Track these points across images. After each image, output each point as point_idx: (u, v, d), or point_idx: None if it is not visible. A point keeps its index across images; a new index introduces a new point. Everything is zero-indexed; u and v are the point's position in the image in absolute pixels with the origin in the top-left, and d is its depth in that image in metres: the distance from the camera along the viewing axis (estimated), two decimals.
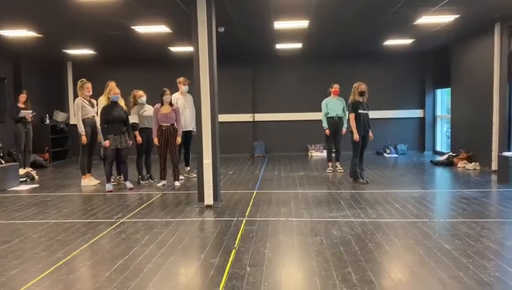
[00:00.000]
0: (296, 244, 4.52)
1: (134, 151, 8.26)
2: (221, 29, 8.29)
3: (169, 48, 10.82)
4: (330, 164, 9.34)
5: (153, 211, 6.13)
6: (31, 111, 9.70)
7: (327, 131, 9.07)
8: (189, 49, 9.13)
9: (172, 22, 8.12)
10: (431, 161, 10.55)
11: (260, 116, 12.97)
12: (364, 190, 7.34)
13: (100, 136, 7.92)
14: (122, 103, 7.78)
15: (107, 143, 7.48)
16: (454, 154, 10.13)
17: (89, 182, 8.16)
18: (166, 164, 7.91)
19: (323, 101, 9.19)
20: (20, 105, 9.65)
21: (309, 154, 12.52)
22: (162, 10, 7.26)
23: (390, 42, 10.64)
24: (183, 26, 7.76)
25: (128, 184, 7.74)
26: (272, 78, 12.88)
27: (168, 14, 7.55)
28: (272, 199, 6.73)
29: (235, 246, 4.47)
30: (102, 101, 7.90)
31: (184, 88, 8.64)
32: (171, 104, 7.87)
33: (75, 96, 8.37)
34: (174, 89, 8.59)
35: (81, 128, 7.85)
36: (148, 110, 8.13)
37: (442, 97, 12.53)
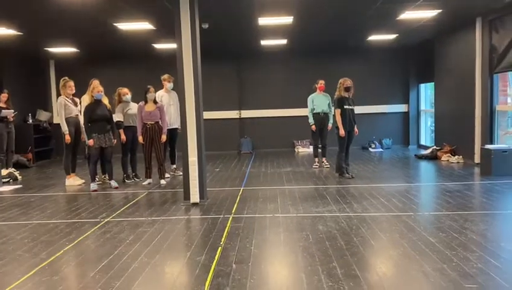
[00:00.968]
0: (282, 240, 4.53)
1: (119, 150, 8.18)
2: (205, 26, 8.24)
3: (153, 44, 10.73)
4: (316, 159, 9.38)
5: (138, 210, 6.08)
6: (12, 110, 9.53)
7: (313, 127, 9.10)
8: (173, 45, 9.08)
9: (155, 19, 8.05)
10: (415, 155, 10.67)
11: (246, 113, 12.95)
12: (350, 184, 7.39)
13: (84, 135, 7.82)
14: (106, 101, 7.69)
15: (91, 142, 7.39)
16: (438, 148, 10.25)
17: (73, 181, 8.07)
18: (152, 162, 7.85)
19: (309, 97, 9.21)
20: (2, 105, 9.46)
21: (296, 150, 12.56)
22: (145, 7, 7.18)
23: (374, 37, 10.70)
24: (167, 22, 7.68)
25: (113, 183, 7.67)
26: (258, 75, 12.86)
27: (151, 11, 7.48)
28: (259, 195, 6.73)
29: (221, 243, 4.46)
30: (86, 99, 7.80)
31: (169, 85, 8.57)
32: (155, 101, 7.80)
33: (58, 95, 8.25)
34: (159, 86, 8.52)
35: (65, 128, 7.75)
36: (133, 108, 8.04)
37: (426, 91, 12.66)
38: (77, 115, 7.96)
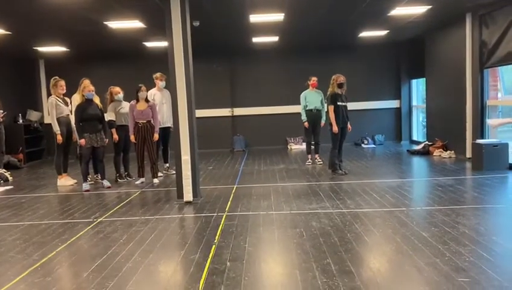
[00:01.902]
0: (276, 238, 4.54)
1: (112, 149, 8.13)
2: (196, 24, 8.21)
3: (144, 43, 10.67)
4: (309, 156, 9.40)
5: (131, 209, 6.05)
6: (2, 111, 9.41)
7: (306, 124, 9.11)
8: (165, 44, 9.03)
9: (146, 17, 7.99)
10: (408, 151, 10.72)
11: (239, 111, 12.93)
12: (343, 181, 7.41)
13: (75, 135, 7.77)
14: (97, 100, 7.64)
15: (82, 142, 7.34)
16: (430, 143, 10.31)
17: (65, 181, 8.01)
18: (145, 161, 7.81)
19: (302, 94, 9.22)
20: None
21: (288, 147, 12.57)
22: (135, 5, 7.13)
23: (365, 34, 10.72)
24: (158, 20, 7.64)
25: (106, 183, 7.62)
26: (250, 72, 12.85)
27: (142, 9, 7.42)
28: (252, 193, 6.73)
29: (215, 241, 4.46)
30: (77, 99, 7.75)
31: (161, 84, 8.53)
32: (147, 100, 7.76)
33: (48, 94, 8.17)
34: (151, 84, 8.48)
35: (56, 128, 7.68)
36: (125, 107, 7.99)
37: (418, 87, 12.73)
38: (68, 114, 7.89)
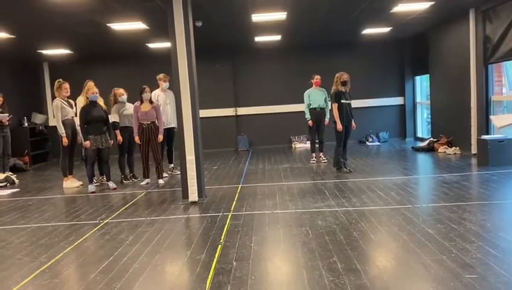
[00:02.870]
0: (281, 237, 4.54)
1: (116, 151, 8.16)
2: (199, 24, 8.22)
3: (147, 44, 10.69)
4: (314, 154, 9.39)
5: (137, 210, 6.07)
6: (7, 114, 9.49)
7: (310, 122, 9.10)
8: (168, 45, 9.03)
9: (148, 18, 8.01)
10: (412, 147, 10.69)
11: (243, 110, 12.94)
12: (348, 179, 7.40)
13: (80, 137, 7.80)
14: (101, 102, 7.66)
15: (87, 144, 7.37)
16: (434, 140, 10.28)
17: (71, 183, 8.05)
18: (149, 162, 7.83)
19: (305, 93, 9.21)
20: None
21: (293, 146, 12.56)
22: (138, 6, 7.14)
23: (368, 31, 10.69)
24: (160, 21, 7.65)
25: (111, 184, 7.65)
26: (253, 72, 12.85)
27: (144, 10, 7.43)
28: (257, 192, 6.74)
29: (221, 241, 4.46)
30: (81, 101, 7.78)
31: (165, 85, 8.55)
32: (151, 101, 7.78)
33: (53, 97, 8.21)
34: (154, 86, 8.50)
35: (62, 130, 7.71)
36: (129, 108, 8.01)
37: (422, 84, 12.68)
38: (73, 117, 7.93)
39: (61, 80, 8.01)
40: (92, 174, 7.58)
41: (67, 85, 7.93)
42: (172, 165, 8.85)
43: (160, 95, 8.49)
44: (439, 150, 9.84)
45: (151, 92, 7.92)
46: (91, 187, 7.46)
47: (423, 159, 9.32)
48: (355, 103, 8.85)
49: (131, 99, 8.10)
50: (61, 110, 7.74)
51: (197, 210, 5.90)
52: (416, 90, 12.77)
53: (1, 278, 3.82)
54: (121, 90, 8.08)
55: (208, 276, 3.58)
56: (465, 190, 6.10)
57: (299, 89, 9.77)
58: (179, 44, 6.12)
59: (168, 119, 8.43)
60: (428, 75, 11.45)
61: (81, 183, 8.09)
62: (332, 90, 8.04)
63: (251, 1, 7.27)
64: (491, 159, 7.67)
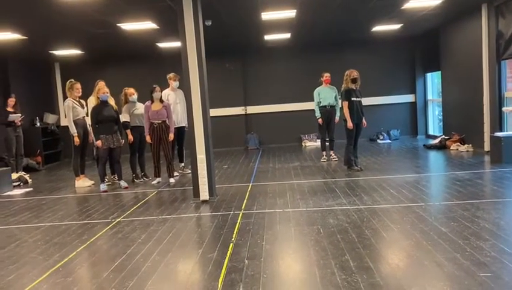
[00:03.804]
0: (293, 235, 4.53)
1: (128, 150, 8.21)
2: (208, 23, 8.22)
3: (157, 44, 10.73)
4: (324, 153, 9.35)
5: (148, 209, 6.10)
6: (20, 114, 9.60)
7: (320, 120, 9.06)
8: (177, 44, 9.06)
9: (158, 18, 8.04)
10: (424, 145, 10.60)
11: (252, 109, 12.94)
12: (359, 177, 7.36)
13: (92, 137, 7.87)
14: (112, 102, 7.71)
15: (99, 143, 7.43)
16: (446, 137, 10.18)
17: (83, 183, 8.12)
18: (160, 161, 7.87)
19: (315, 90, 9.17)
20: (9, 109, 9.54)
21: (303, 144, 12.53)
22: (147, 6, 7.17)
23: (378, 28, 10.61)
24: (170, 21, 7.68)
25: (123, 183, 7.70)
26: (262, 70, 12.83)
27: (154, 10, 7.46)
28: (268, 191, 6.73)
29: (233, 239, 4.47)
30: (92, 101, 7.84)
31: (175, 84, 8.58)
32: (161, 100, 7.81)
33: (64, 97, 8.29)
34: (165, 85, 8.53)
35: (73, 130, 7.78)
36: (140, 108, 8.06)
37: (433, 81, 12.56)
38: (84, 116, 7.99)
39: (72, 80, 8.08)
40: (103, 174, 7.64)
41: (78, 85, 8.00)
42: (182, 164, 8.88)
43: (171, 94, 8.52)
44: (451, 148, 9.74)
45: (161, 92, 7.96)
46: (103, 186, 7.52)
47: (435, 157, 9.23)
48: (366, 101, 8.79)
49: (141, 99, 8.14)
50: (72, 110, 7.80)
51: (208, 209, 5.91)
52: (428, 87, 12.65)
53: (16, 277, 3.86)
54: (132, 90, 8.12)
55: (220, 274, 3.58)
56: (479, 188, 6.04)
57: (308, 87, 9.73)
58: (189, 43, 6.13)
59: (179, 119, 8.46)
60: (439, 72, 11.34)
61: (93, 182, 8.15)
62: (342, 88, 8.00)
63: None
64: (505, 156, 7.57)
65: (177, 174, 8.56)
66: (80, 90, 8.00)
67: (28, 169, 10.07)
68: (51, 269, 3.97)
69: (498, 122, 8.60)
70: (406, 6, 8.32)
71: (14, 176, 8.77)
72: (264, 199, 6.18)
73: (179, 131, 8.47)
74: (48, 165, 11.52)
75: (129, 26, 8.45)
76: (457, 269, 3.37)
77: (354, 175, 7.54)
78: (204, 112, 6.25)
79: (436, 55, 11.23)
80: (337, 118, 9.02)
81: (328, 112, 9.02)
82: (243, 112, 12.95)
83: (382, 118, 12.42)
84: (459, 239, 4.01)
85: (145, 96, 7.89)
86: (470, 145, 9.46)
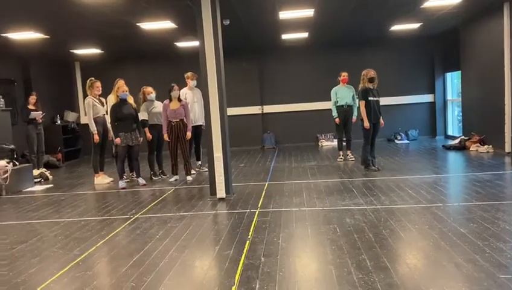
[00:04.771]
0: (309, 234, 4.53)
1: (146, 148, 8.31)
2: (226, 22, 8.25)
3: (175, 43, 10.83)
4: (341, 152, 9.31)
5: (166, 206, 6.17)
6: (41, 112, 9.80)
7: (337, 120, 9.02)
8: (195, 43, 9.12)
9: (177, 17, 8.11)
10: (443, 146, 10.46)
11: (269, 108, 12.95)
12: (376, 177, 7.31)
13: (111, 134, 7.98)
14: (131, 100, 7.81)
15: (118, 140, 7.54)
16: (466, 138, 10.03)
17: (102, 180, 8.24)
18: (178, 159, 7.95)
19: (332, 90, 9.14)
20: (31, 107, 9.74)
21: (319, 144, 12.49)
22: (166, 5, 7.25)
23: (397, 27, 10.51)
24: (188, 20, 7.74)
25: (141, 180, 7.80)
26: (279, 69, 12.84)
27: (173, 9, 7.54)
28: (284, 189, 6.74)
29: (249, 237, 4.49)
30: (112, 99, 7.95)
31: (192, 83, 8.65)
32: (179, 99, 7.89)
33: (84, 95, 8.42)
34: (182, 84, 8.61)
35: (93, 127, 7.90)
36: (158, 106, 8.15)
37: (452, 80, 12.38)
38: (104, 114, 8.11)
39: (93, 78, 8.20)
40: (122, 171, 7.75)
41: (99, 83, 8.12)
42: (199, 162, 8.95)
43: (188, 93, 8.59)
44: (471, 148, 9.60)
45: (179, 90, 8.03)
46: (121, 183, 7.63)
47: (454, 158, 9.10)
48: (384, 100, 8.71)
49: (160, 98, 8.23)
50: (92, 108, 7.93)
51: (224, 206, 5.95)
52: (447, 87, 12.48)
53: (38, 270, 3.96)
54: (150, 89, 8.22)
55: (237, 271, 3.61)
56: (499, 189, 5.93)
57: (325, 87, 9.70)
58: (207, 42, 6.17)
59: (196, 117, 8.53)
60: (459, 72, 11.17)
61: (112, 179, 8.27)
62: (359, 88, 7.95)
63: None
64: None
65: (194, 172, 8.62)
66: (100, 88, 8.13)
67: (48, 166, 10.28)
68: (71, 263, 4.05)
69: None
70: (426, 5, 8.23)
71: (36, 172, 8.96)
72: (280, 198, 6.19)
73: (196, 129, 8.54)
74: (68, 162, 11.74)
75: (148, 25, 8.55)
76: (476, 271, 3.32)
77: (371, 175, 7.49)
78: (222, 111, 6.29)
79: (456, 55, 11.07)
80: (354, 117, 8.97)
81: (345, 111, 8.98)
82: (260, 111, 12.97)
83: (400, 118, 12.30)
84: (478, 240, 3.96)
85: (163, 94, 7.97)
86: (490, 146, 9.30)
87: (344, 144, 9.25)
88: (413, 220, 4.78)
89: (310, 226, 4.77)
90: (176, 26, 8.77)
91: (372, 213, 5.09)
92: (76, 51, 11.21)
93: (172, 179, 7.96)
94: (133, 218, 5.57)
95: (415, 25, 10.41)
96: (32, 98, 9.85)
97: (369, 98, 7.74)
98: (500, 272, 3.27)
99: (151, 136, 8.08)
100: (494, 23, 9.07)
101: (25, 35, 8.70)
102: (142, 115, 8.07)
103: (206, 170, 7.41)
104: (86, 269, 3.90)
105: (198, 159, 8.96)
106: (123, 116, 7.51)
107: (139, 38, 9.77)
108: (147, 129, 8.07)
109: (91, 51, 11.29)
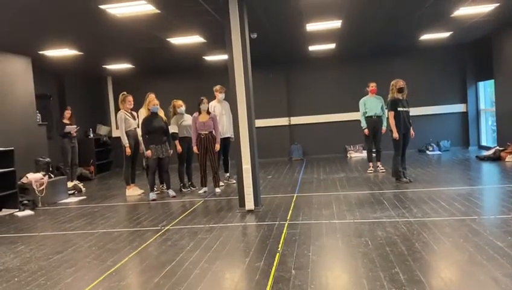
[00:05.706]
0: (340, 246, 4.48)
1: (176, 160, 8.43)
2: (254, 35, 8.34)
3: (204, 57, 11.01)
4: (371, 164, 9.19)
5: (196, 217, 6.23)
6: (75, 126, 10.11)
7: (366, 131, 8.93)
8: (223, 57, 9.26)
9: (205, 32, 8.26)
10: (477, 156, 10.17)
11: (296, 120, 12.94)
12: (408, 189, 7.17)
13: (142, 147, 8.15)
14: (161, 113, 7.97)
15: (149, 153, 7.69)
16: (501, 149, 9.72)
17: (133, 192, 8.40)
18: (207, 171, 8.03)
19: (361, 100, 9.07)
20: (66, 121, 10.06)
21: (348, 155, 12.36)
22: (195, 20, 7.40)
23: (427, 36, 10.37)
24: (216, 34, 7.89)
25: (171, 192, 7.91)
26: (307, 81, 12.83)
27: (201, 24, 7.68)
28: (313, 201, 6.70)
29: (279, 249, 4.48)
30: (143, 112, 8.13)
31: (221, 96, 8.77)
32: (208, 112, 8.00)
33: (116, 109, 8.65)
34: (211, 97, 8.73)
35: (125, 141, 8.09)
36: (187, 119, 8.28)
37: (485, 90, 12.07)
38: (136, 128, 8.30)
39: (125, 92, 8.44)
40: (153, 183, 7.88)
41: (131, 98, 8.34)
42: (228, 174, 9.01)
43: (217, 106, 8.70)
44: (506, 159, 9.29)
45: (208, 103, 8.15)
46: (152, 195, 7.76)
47: (489, 169, 8.84)
48: (414, 111, 8.60)
49: (189, 111, 8.37)
50: (124, 122, 8.13)
51: (253, 218, 5.96)
52: (480, 96, 12.16)
53: (74, 280, 4.06)
54: (180, 102, 8.36)
55: (267, 283, 3.60)
56: None
57: (354, 97, 9.63)
58: (235, 56, 6.25)
59: (224, 129, 8.61)
60: (493, 81, 10.89)
61: (142, 191, 8.42)
62: (388, 98, 7.86)
63: (305, 11, 7.30)
64: None
65: (223, 184, 8.68)
66: (132, 102, 8.34)
67: (81, 178, 10.56)
68: (105, 273, 4.14)
69: None
70: (456, 13, 8.09)
71: (70, 184, 9.23)
72: (309, 210, 6.15)
73: (225, 142, 8.62)
74: (100, 175, 12.02)
75: (178, 40, 8.74)
76: None
77: (402, 187, 7.35)
78: (250, 123, 6.34)
79: (489, 64, 10.81)
80: (383, 128, 8.86)
81: (374, 122, 8.88)
82: (287, 123, 12.98)
83: (431, 129, 12.06)
84: None
85: (193, 107, 8.10)
86: None
87: (374, 155, 9.13)
88: (447, 233, 4.66)
89: (341, 238, 4.72)
90: (205, 41, 8.92)
91: (404, 226, 4.99)
92: (108, 66, 11.56)
93: (201, 191, 8.04)
94: (164, 229, 5.65)
95: (446, 34, 10.25)
96: (67, 113, 10.18)
97: (399, 109, 7.63)
98: None
99: (181, 149, 8.21)
100: None
101: (60, 52, 9.04)
102: (172, 128, 8.21)
103: (235, 181, 7.46)
104: (120, 280, 3.97)
105: (226, 171, 9.02)
106: (154, 129, 7.67)
107: (169, 53, 9.99)
108: (177, 142, 8.20)
109: (123, 66, 11.62)
